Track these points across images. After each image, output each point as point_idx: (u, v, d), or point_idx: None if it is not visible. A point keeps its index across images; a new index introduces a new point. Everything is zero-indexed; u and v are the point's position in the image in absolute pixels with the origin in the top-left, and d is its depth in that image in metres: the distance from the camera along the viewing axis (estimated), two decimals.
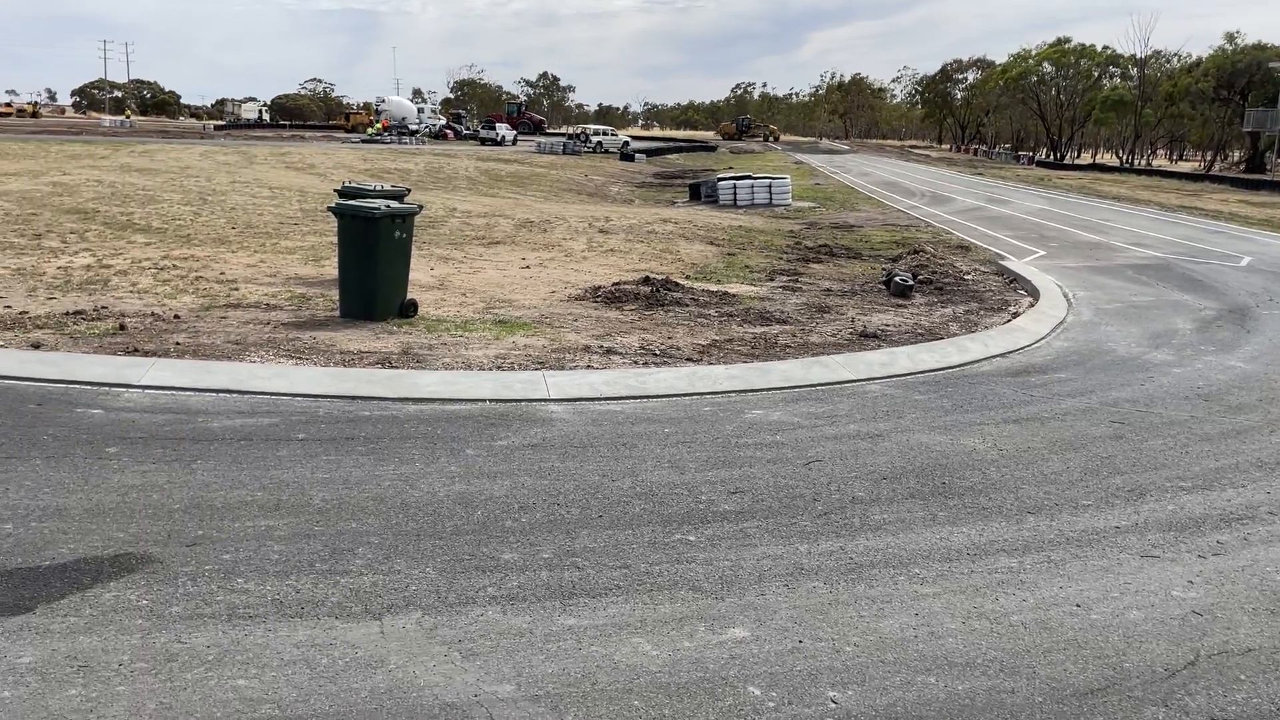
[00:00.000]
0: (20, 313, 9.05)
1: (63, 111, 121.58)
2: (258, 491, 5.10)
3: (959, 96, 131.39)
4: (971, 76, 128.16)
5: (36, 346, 7.90)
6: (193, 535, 4.53)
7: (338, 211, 9.54)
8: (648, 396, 7.46)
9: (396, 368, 7.94)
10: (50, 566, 4.14)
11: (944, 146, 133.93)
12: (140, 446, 5.71)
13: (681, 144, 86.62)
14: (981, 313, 11.89)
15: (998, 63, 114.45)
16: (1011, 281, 14.76)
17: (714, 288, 12.75)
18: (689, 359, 8.79)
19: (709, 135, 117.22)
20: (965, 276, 14.85)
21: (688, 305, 11.37)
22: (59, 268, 11.52)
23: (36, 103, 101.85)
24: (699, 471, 5.79)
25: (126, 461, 5.44)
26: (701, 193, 30.11)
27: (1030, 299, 13.02)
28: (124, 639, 3.61)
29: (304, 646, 3.63)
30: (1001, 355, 9.62)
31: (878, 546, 4.85)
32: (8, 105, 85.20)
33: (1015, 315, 11.73)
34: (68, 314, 9.08)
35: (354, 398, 7.03)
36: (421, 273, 12.24)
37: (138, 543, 4.42)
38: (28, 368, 7.20)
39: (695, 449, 6.23)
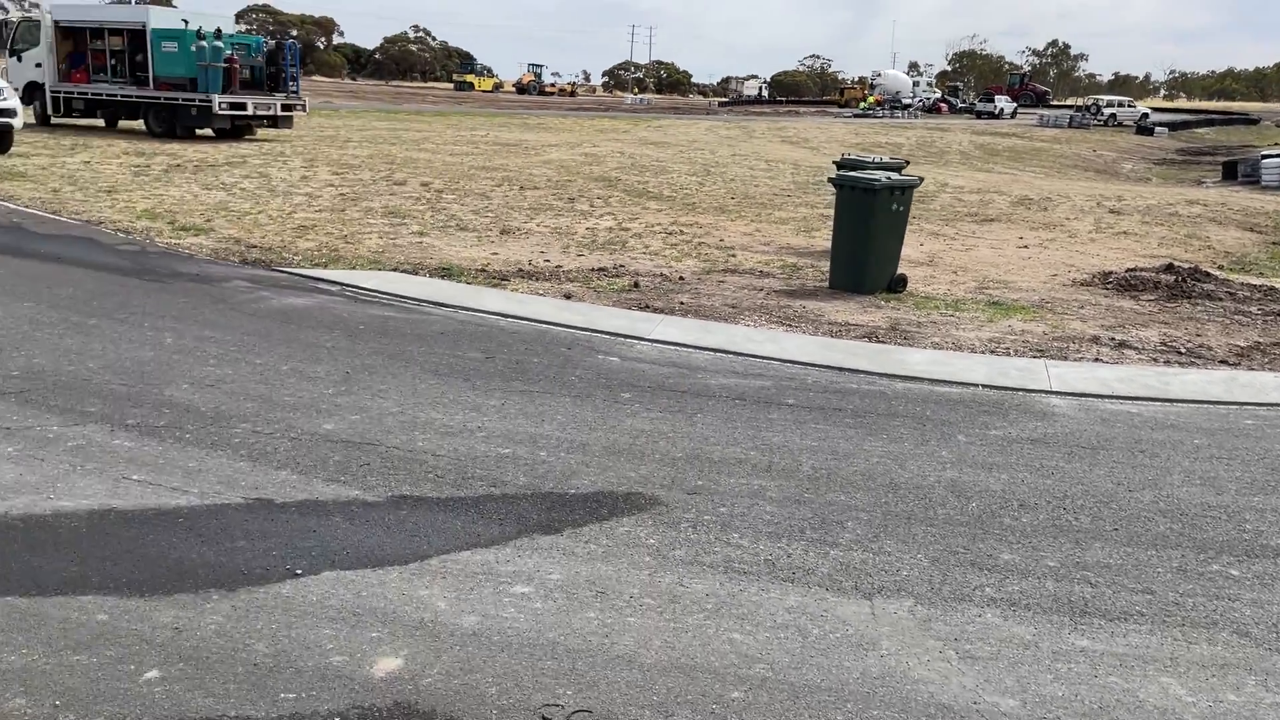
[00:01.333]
0: (556, 266, 10.29)
1: (594, 91, 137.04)
2: (750, 451, 5.25)
3: None
4: None
5: (568, 297, 8.91)
6: (693, 484, 4.76)
7: (837, 182, 9.56)
8: (1171, 400, 6.54)
9: (883, 343, 7.80)
10: (574, 495, 4.59)
11: None
12: (649, 395, 6.16)
13: (1214, 116, 75.68)
14: None
15: None
16: None
17: (1255, 281, 10.92)
18: (1224, 361, 7.59)
19: (1254, 107, 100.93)
20: None
21: (1221, 299, 9.84)
22: (586, 228, 12.94)
23: (574, 83, 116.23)
24: (1241, 495, 4.92)
25: (638, 408, 5.89)
26: (1239, 171, 26.16)
27: None
28: (634, 573, 3.87)
29: (795, 613, 3.62)
30: None
31: None
32: (552, 85, 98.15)
33: None
34: (592, 270, 10.13)
35: (840, 369, 7.00)
36: (910, 248, 11.91)
37: (646, 484, 4.74)
38: (561, 315, 8.15)
39: (1235, 467, 5.31)
